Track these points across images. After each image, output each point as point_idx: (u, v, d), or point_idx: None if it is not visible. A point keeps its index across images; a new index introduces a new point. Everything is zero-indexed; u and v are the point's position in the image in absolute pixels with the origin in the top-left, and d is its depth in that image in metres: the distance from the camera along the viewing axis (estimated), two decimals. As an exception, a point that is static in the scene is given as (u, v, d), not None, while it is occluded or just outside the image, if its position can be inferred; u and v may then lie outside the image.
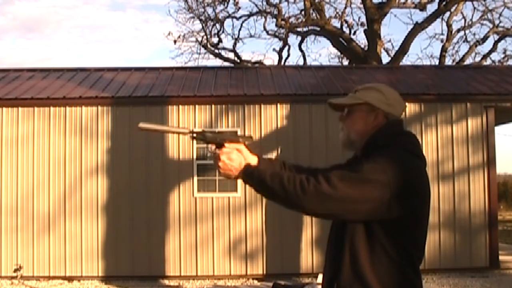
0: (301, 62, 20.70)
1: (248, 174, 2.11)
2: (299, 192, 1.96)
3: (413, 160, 2.16)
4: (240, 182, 8.92)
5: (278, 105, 9.25)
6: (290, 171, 2.28)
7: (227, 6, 19.71)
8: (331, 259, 2.21)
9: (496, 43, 19.50)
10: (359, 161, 2.16)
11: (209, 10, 19.80)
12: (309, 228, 8.85)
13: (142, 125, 2.24)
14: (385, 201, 2.00)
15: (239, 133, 9.09)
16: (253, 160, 2.22)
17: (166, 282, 8.75)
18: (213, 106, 9.20)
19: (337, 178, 1.98)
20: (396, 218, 2.06)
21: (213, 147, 2.21)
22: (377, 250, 2.07)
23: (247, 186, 2.18)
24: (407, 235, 2.11)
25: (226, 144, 2.18)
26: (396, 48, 18.61)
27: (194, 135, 2.23)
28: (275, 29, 19.77)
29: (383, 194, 2.00)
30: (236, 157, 2.16)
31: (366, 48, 17.88)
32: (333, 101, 2.34)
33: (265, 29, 19.94)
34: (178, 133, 2.35)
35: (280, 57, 20.50)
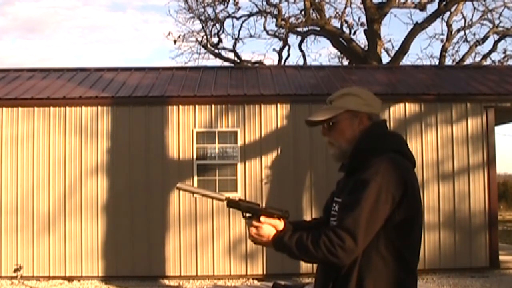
0: (301, 62, 20.72)
1: (277, 248, 2.19)
2: (329, 256, 2.04)
3: (404, 162, 2.19)
4: (240, 182, 8.97)
5: (278, 105, 9.25)
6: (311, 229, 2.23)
7: (227, 6, 19.73)
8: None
9: (496, 43, 19.50)
10: (355, 181, 2.12)
11: (209, 10, 19.82)
12: (309, 228, 8.84)
13: (180, 185, 2.30)
14: (392, 210, 2.07)
15: (239, 133, 9.10)
16: (281, 229, 2.23)
17: (166, 282, 8.75)
18: (213, 106, 9.20)
19: (353, 228, 2.02)
20: (395, 223, 2.09)
21: (248, 215, 2.27)
22: (373, 255, 2.09)
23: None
24: (403, 239, 2.13)
25: (261, 218, 2.22)
26: (396, 48, 18.62)
27: (230, 203, 2.30)
28: (275, 29, 19.78)
29: (391, 207, 2.07)
30: (265, 232, 2.21)
31: (366, 48, 17.88)
32: (313, 118, 2.31)
33: (265, 29, 19.97)
34: (215, 198, 2.36)
35: (280, 57, 20.50)
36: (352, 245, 2.01)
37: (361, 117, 2.25)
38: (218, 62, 20.74)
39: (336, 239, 2.01)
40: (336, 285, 2.11)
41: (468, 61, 19.62)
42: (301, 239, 2.10)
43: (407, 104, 9.31)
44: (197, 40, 20.43)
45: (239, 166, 9.05)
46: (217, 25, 20.15)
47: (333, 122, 2.27)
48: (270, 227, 2.20)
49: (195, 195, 2.36)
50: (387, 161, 2.12)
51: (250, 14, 19.87)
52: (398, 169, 2.12)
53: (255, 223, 2.22)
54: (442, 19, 18.98)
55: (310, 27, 18.69)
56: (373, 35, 17.39)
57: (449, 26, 19.18)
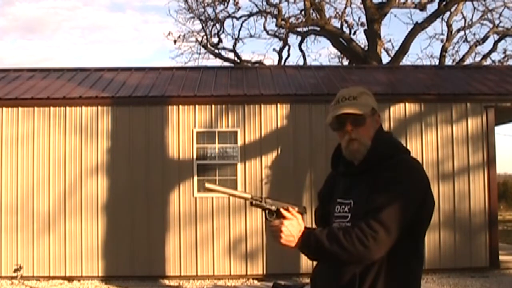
0: (301, 62, 20.72)
1: (307, 239, 2.08)
2: (361, 249, 1.99)
3: (418, 161, 2.25)
4: (240, 182, 8.96)
5: (278, 105, 9.25)
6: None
7: (227, 6, 19.72)
8: (329, 265, 2.21)
9: (496, 43, 19.50)
10: (384, 182, 2.10)
11: (209, 10, 19.82)
12: (309, 228, 8.84)
13: (208, 186, 2.24)
14: (418, 208, 2.12)
15: (239, 133, 9.10)
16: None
17: (166, 282, 8.74)
18: (213, 106, 9.20)
19: (388, 221, 2.02)
20: (418, 220, 2.13)
21: (269, 215, 2.17)
22: (398, 252, 2.09)
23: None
24: (421, 235, 2.19)
25: (290, 210, 2.14)
26: (396, 48, 18.63)
27: (254, 201, 2.20)
28: (275, 29, 19.78)
29: (419, 205, 2.11)
30: (297, 225, 2.12)
31: (366, 48, 17.88)
32: (350, 110, 2.20)
33: (265, 29, 19.96)
34: (241, 197, 2.27)
35: (280, 57, 20.50)
36: (385, 237, 2.00)
37: (377, 116, 2.29)
38: (218, 62, 20.77)
39: (369, 230, 2.00)
40: (364, 282, 2.08)
41: (468, 61, 19.62)
42: (333, 230, 2.07)
43: (407, 104, 9.31)
44: (197, 40, 20.44)
45: (239, 166, 9.05)
46: (217, 25, 20.16)
47: (360, 119, 2.23)
48: (298, 222, 2.13)
49: (222, 193, 2.29)
50: (411, 161, 2.20)
51: (250, 14, 19.88)
52: (421, 169, 2.19)
53: (288, 215, 2.12)
54: (442, 19, 19.01)
55: (310, 27, 18.68)
56: (373, 35, 17.39)
57: (449, 26, 19.18)
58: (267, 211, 2.17)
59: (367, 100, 2.26)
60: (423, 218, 2.16)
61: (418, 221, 2.13)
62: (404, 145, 2.34)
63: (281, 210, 2.14)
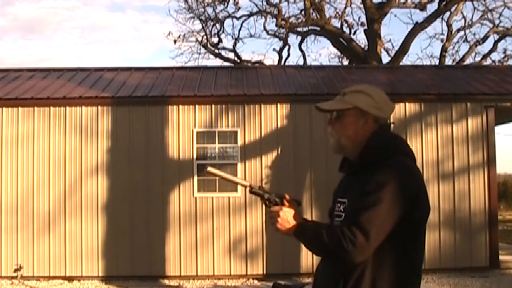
0: (301, 62, 20.72)
1: (300, 230, 2.18)
2: (339, 250, 2.03)
3: (414, 165, 2.21)
4: (240, 182, 8.95)
5: (278, 105, 9.24)
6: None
7: (227, 6, 19.73)
8: (330, 262, 2.21)
9: (496, 43, 19.50)
10: (371, 182, 2.11)
11: (209, 10, 19.83)
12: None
13: (210, 169, 2.38)
14: (405, 212, 2.08)
15: (239, 133, 9.10)
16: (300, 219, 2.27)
17: (166, 282, 8.74)
18: (213, 106, 9.20)
19: (367, 226, 2.01)
20: (407, 225, 2.10)
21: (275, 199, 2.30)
22: (385, 257, 2.08)
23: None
24: (413, 241, 2.15)
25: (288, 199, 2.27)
26: (396, 48, 18.63)
27: (252, 189, 2.38)
28: (275, 29, 19.78)
29: (405, 209, 2.07)
30: (294, 213, 2.22)
31: (366, 48, 17.88)
32: (321, 106, 2.31)
33: (265, 29, 19.95)
34: (239, 184, 2.48)
35: (280, 57, 20.50)
36: (364, 242, 2.00)
37: (367, 118, 2.24)
38: (218, 62, 20.77)
39: (348, 233, 2.01)
40: (347, 286, 2.10)
41: (468, 61, 19.62)
42: (320, 227, 2.14)
43: (407, 104, 9.31)
44: (197, 40, 20.45)
45: (239, 166, 9.05)
46: (217, 25, 20.17)
47: (339, 114, 2.26)
48: (293, 212, 2.23)
49: (222, 178, 2.42)
50: (402, 164, 2.15)
51: (250, 14, 19.89)
52: (413, 173, 2.15)
53: (287, 204, 2.26)
54: (442, 19, 19.00)
55: (310, 27, 18.69)
56: (373, 35, 17.39)
57: (449, 26, 19.18)
58: (267, 199, 2.31)
59: (353, 99, 2.24)
60: (413, 223, 2.11)
61: (407, 225, 2.08)
62: None
63: (284, 200, 2.27)
